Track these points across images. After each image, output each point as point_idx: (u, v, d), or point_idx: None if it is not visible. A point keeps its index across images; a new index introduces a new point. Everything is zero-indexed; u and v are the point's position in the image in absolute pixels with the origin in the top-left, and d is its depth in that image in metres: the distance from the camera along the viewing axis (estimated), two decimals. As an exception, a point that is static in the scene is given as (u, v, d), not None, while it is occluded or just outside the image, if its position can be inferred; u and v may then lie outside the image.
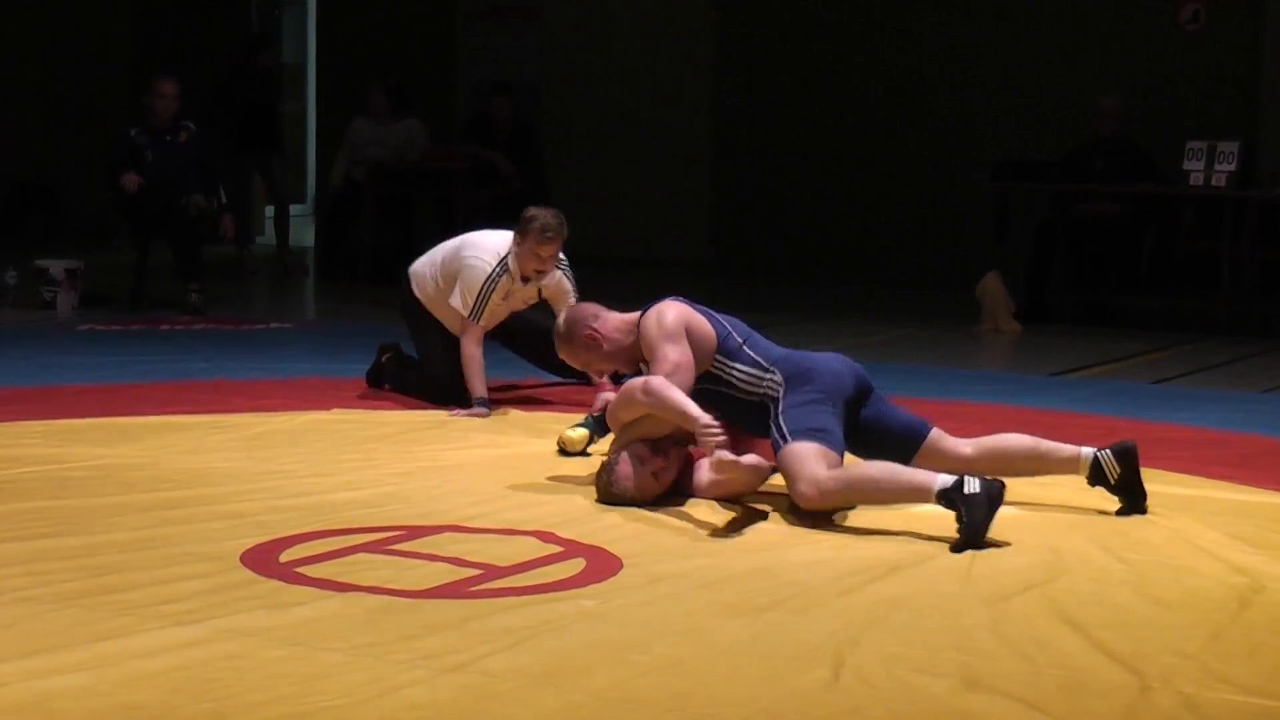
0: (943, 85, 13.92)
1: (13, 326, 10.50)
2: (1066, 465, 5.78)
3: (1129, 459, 5.70)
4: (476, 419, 7.39)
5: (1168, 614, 4.62)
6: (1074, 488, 5.90)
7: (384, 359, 8.04)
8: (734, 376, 5.88)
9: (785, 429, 5.64)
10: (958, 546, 5.19)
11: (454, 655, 4.08)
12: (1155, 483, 6.22)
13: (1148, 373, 9.64)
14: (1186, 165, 11.55)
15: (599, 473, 5.85)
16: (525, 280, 7.62)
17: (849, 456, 5.81)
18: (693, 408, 5.65)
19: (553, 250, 7.53)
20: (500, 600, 4.58)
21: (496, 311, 7.68)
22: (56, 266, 11.22)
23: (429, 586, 4.71)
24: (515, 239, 7.55)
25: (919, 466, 5.71)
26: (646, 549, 5.21)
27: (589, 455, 6.53)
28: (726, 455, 5.53)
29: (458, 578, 4.80)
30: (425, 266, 7.85)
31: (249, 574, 4.80)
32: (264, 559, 4.96)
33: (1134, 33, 13.30)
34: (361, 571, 4.86)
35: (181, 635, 4.19)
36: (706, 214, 14.99)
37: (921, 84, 14.00)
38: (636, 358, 6.03)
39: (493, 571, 4.87)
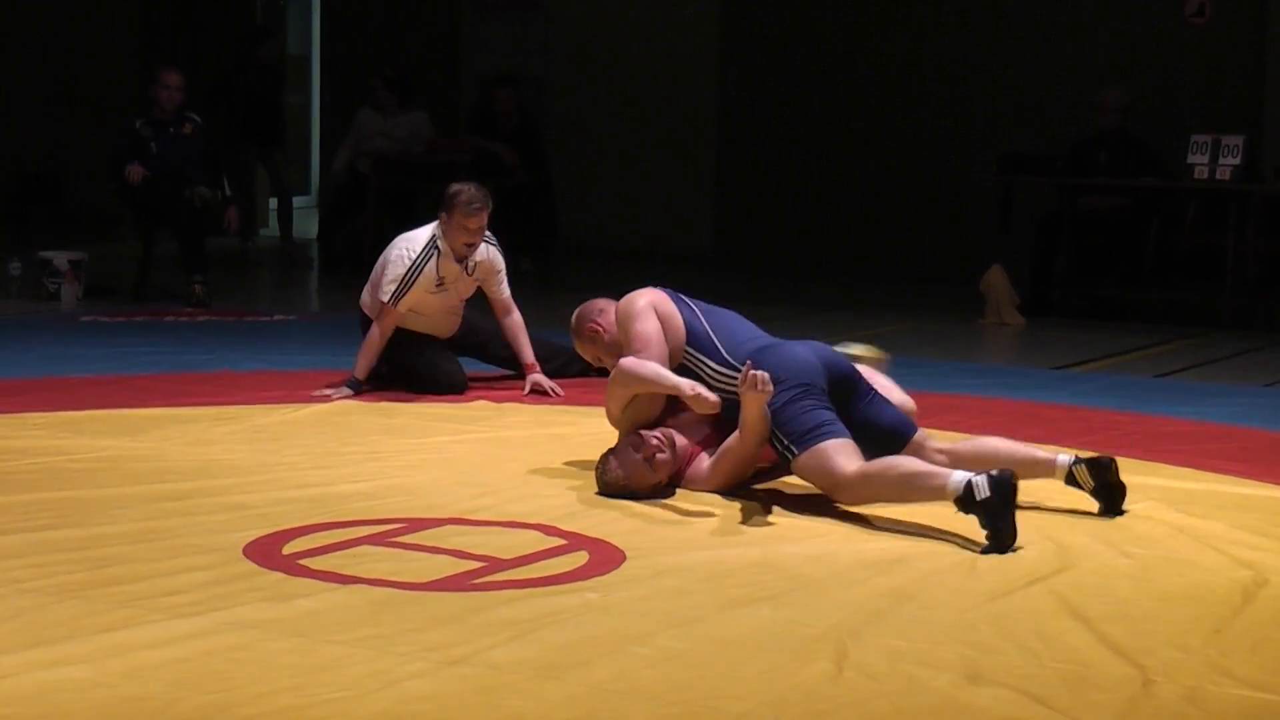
0: (947, 78, 13.91)
1: (16, 318, 10.50)
2: (1043, 470, 5.76)
3: (1103, 472, 5.66)
4: (343, 400, 7.50)
5: (1171, 608, 4.62)
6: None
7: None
8: (705, 372, 5.87)
9: (787, 441, 5.60)
10: (988, 550, 5.13)
11: (457, 648, 4.09)
12: (1159, 476, 6.24)
13: (1151, 367, 9.63)
14: (1191, 159, 11.53)
15: (597, 465, 5.86)
16: (460, 260, 7.65)
17: None
18: (669, 375, 5.74)
19: (480, 222, 7.61)
20: (503, 593, 4.58)
21: (429, 303, 7.71)
22: (60, 258, 11.22)
23: (432, 579, 4.71)
24: (441, 218, 7.64)
25: None
26: (649, 542, 5.21)
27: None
28: (709, 396, 5.61)
29: (461, 570, 4.80)
30: (366, 288, 7.92)
31: (252, 566, 4.80)
32: (267, 551, 4.96)
33: (1139, 26, 13.28)
34: (364, 564, 4.86)
35: (184, 627, 4.20)
36: (710, 206, 14.98)
37: (926, 77, 13.99)
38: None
39: (496, 564, 4.87)
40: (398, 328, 7.74)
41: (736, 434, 5.71)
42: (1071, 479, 5.69)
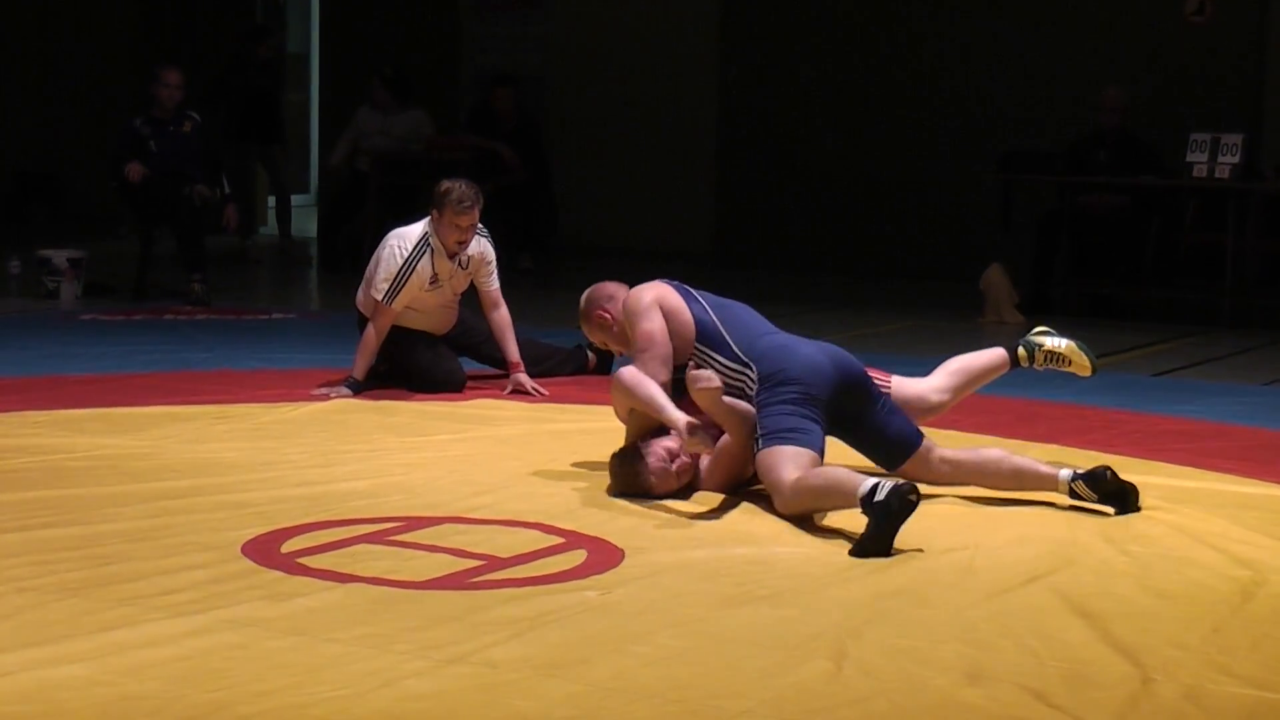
0: (947, 77, 13.91)
1: (16, 316, 10.50)
2: (1046, 484, 5.76)
3: (1100, 484, 5.64)
4: (342, 399, 7.49)
5: (1170, 606, 4.62)
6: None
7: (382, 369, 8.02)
8: (716, 367, 5.82)
9: (759, 433, 5.59)
10: (855, 551, 5.04)
11: (456, 646, 4.08)
12: (1158, 475, 6.24)
13: (1151, 365, 9.63)
14: (1190, 157, 11.53)
15: (618, 462, 5.81)
16: (452, 256, 7.65)
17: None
18: (667, 407, 5.65)
19: (471, 219, 7.61)
20: (502, 591, 4.58)
21: (424, 300, 7.72)
22: (60, 256, 11.22)
23: (431, 577, 4.71)
24: (432, 215, 7.64)
25: (905, 474, 5.69)
26: (648, 540, 5.21)
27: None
28: (704, 440, 5.54)
29: (460, 569, 4.80)
30: (361, 288, 7.92)
31: (251, 564, 4.80)
32: (266, 549, 4.96)
33: (1139, 25, 13.28)
34: (363, 562, 4.86)
35: (184, 625, 4.20)
36: (711, 205, 14.98)
37: (926, 75, 13.99)
38: None
39: (494, 562, 4.87)
40: (394, 325, 7.74)
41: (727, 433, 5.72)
42: (1075, 496, 5.69)
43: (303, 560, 4.85)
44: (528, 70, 15.41)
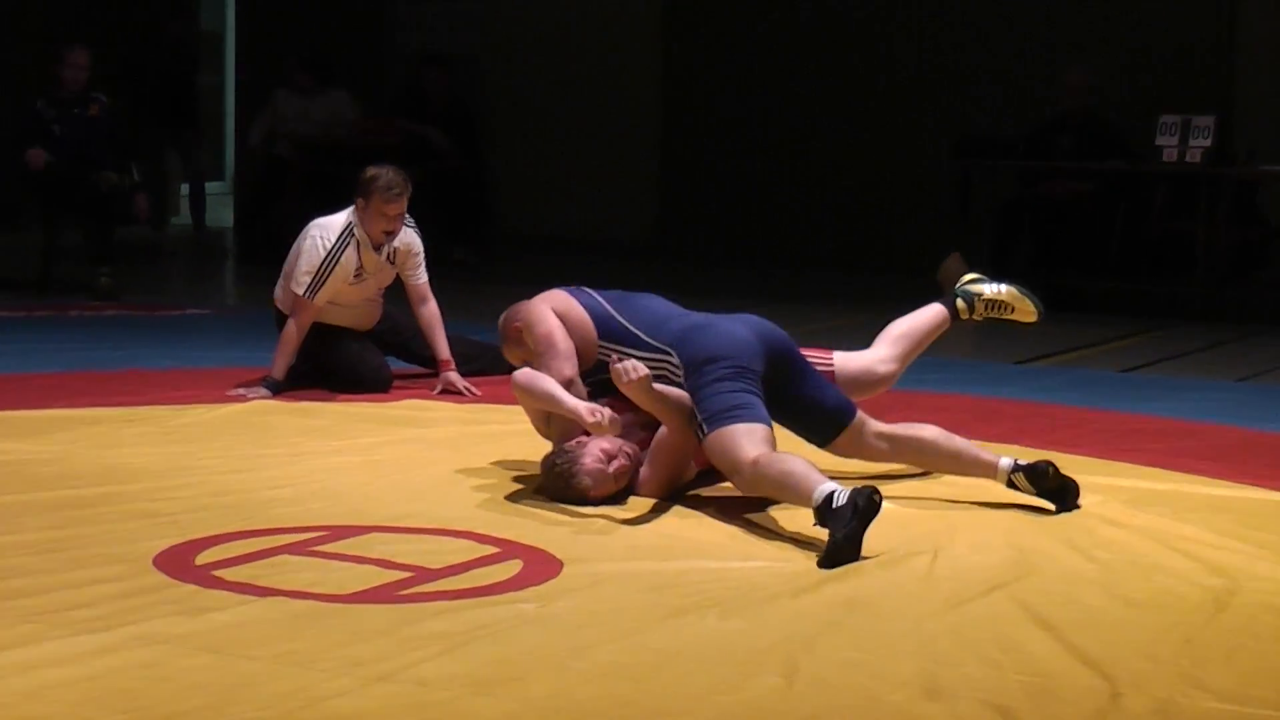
0: (902, 57, 13.95)
1: (-90, 313, 10.43)
2: (985, 471, 5.82)
3: (1040, 479, 5.69)
4: (260, 400, 7.48)
5: (1140, 615, 4.64)
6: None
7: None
8: (628, 357, 5.83)
9: (700, 419, 5.58)
10: (822, 562, 5.03)
11: (383, 663, 4.07)
12: (1126, 477, 6.27)
13: (1117, 360, 9.68)
14: (1159, 141, 11.59)
15: (549, 465, 5.80)
16: (378, 247, 7.63)
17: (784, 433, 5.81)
18: (564, 398, 5.71)
19: (399, 208, 7.59)
20: (432, 604, 4.57)
21: (348, 294, 7.70)
22: (-43, 249, 11.16)
23: (356, 590, 4.69)
24: (357, 204, 7.62)
25: (839, 451, 5.87)
26: (588, 549, 5.21)
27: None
28: (607, 420, 5.58)
29: (387, 580, 4.79)
30: (279, 282, 7.88)
31: (163, 578, 4.77)
32: (179, 561, 4.93)
33: (1104, 0, 13.34)
34: (284, 574, 4.84)
35: (91, 643, 4.17)
36: (653, 193, 14.99)
37: (880, 56, 14.02)
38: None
39: (424, 574, 4.86)
40: (316, 322, 7.71)
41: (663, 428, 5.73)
42: (1012, 486, 5.75)
43: (219, 573, 4.83)
44: (460, 49, 15.39)
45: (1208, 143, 11.43)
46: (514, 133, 15.32)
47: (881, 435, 5.90)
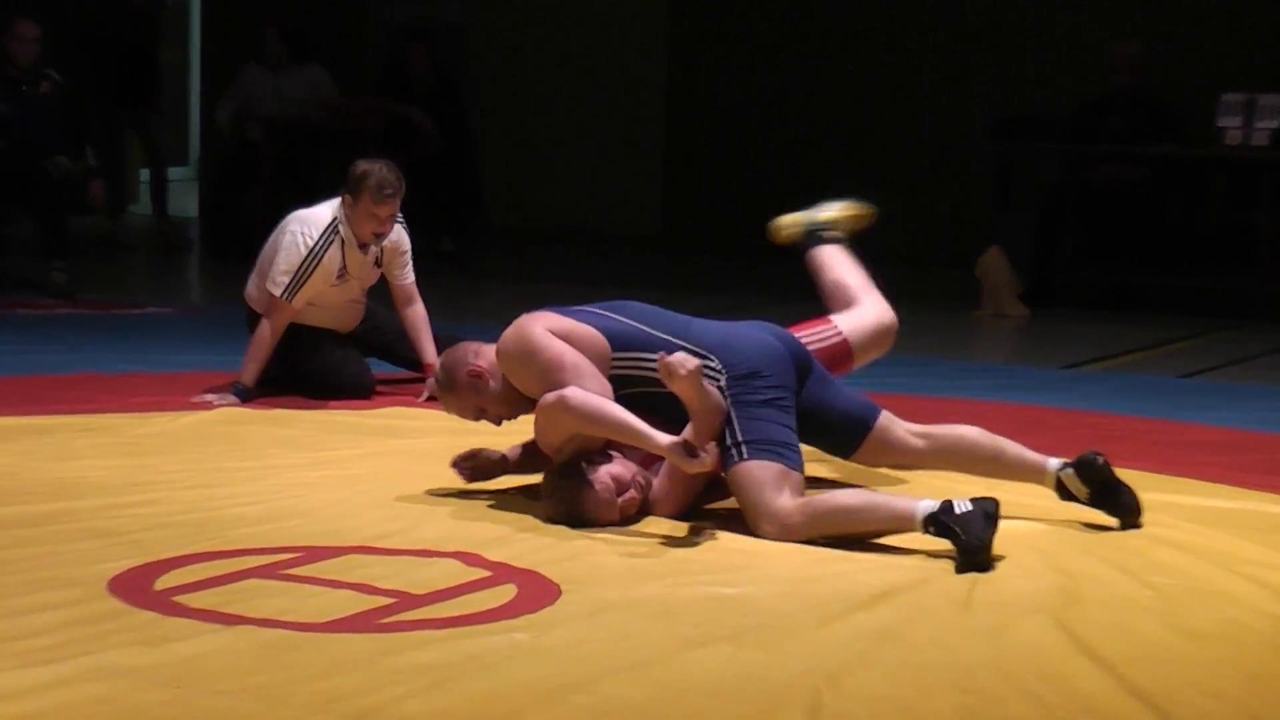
0: (933, 31, 13.95)
1: None
2: (1030, 475, 5.84)
3: (1093, 472, 5.71)
4: (228, 408, 7.48)
5: (1201, 648, 4.62)
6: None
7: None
8: (652, 369, 5.71)
9: (742, 438, 5.58)
10: (962, 568, 5.19)
11: (362, 698, 4.05)
12: (1185, 494, 6.25)
13: (1174, 365, 9.67)
14: (1220, 122, 11.60)
15: (551, 486, 5.77)
16: (363, 247, 7.62)
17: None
18: (646, 429, 5.56)
19: (391, 209, 7.59)
20: (417, 634, 4.56)
21: (329, 296, 7.69)
22: (-105, 241, 11.17)
23: (333, 618, 4.68)
24: (345, 201, 7.60)
25: (864, 459, 5.90)
26: (588, 572, 5.19)
27: None
28: (705, 454, 5.52)
29: (367, 607, 4.78)
30: (252, 278, 7.87)
31: (120, 604, 4.76)
32: (137, 586, 4.92)
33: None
34: (253, 600, 4.82)
35: (40, 676, 4.15)
36: (659, 179, 14.99)
37: (909, 30, 14.03)
38: (523, 395, 5.92)
39: (408, 600, 4.85)
40: (292, 322, 7.70)
41: (685, 434, 5.66)
42: (1063, 489, 5.76)
43: (181, 598, 4.82)
44: (446, 22, 15.40)
45: (1275, 124, 11.43)
46: (504, 113, 15.33)
47: (917, 433, 5.92)
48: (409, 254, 7.89)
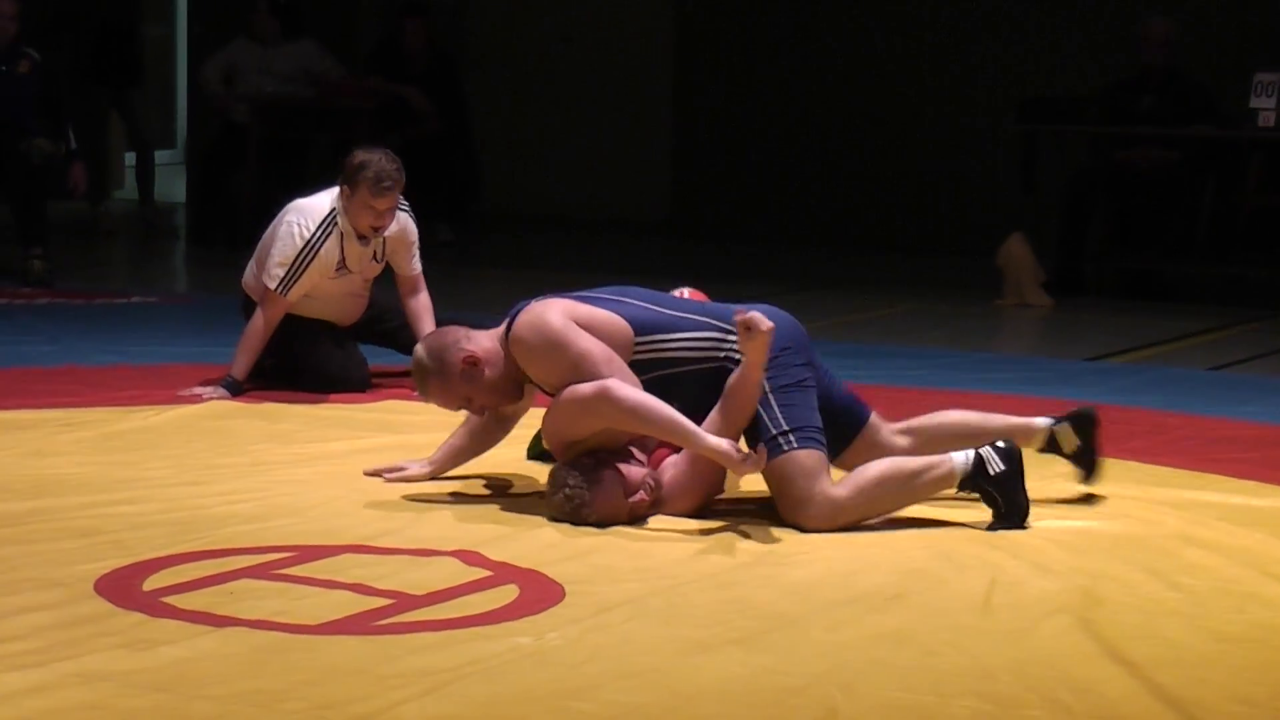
0: (951, 6, 13.93)
1: None
2: (1019, 435, 5.95)
3: (1088, 425, 6.00)
4: (217, 401, 7.49)
5: (1232, 652, 4.63)
6: (1109, 495, 6.04)
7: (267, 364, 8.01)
8: (679, 349, 5.79)
9: (787, 426, 5.63)
10: (995, 527, 5.59)
11: (358, 704, 4.07)
12: (1215, 491, 6.27)
13: (1205, 357, 9.67)
14: (1254, 103, 11.58)
15: (557, 484, 5.75)
16: (363, 239, 7.63)
17: None
18: (698, 431, 5.57)
19: (390, 202, 7.57)
20: (415, 636, 4.58)
21: (327, 289, 7.69)
22: None
23: (327, 620, 4.69)
24: (342, 192, 7.57)
25: (849, 461, 5.93)
26: (592, 572, 5.21)
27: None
28: (759, 467, 5.58)
29: (363, 609, 4.79)
30: (250, 266, 7.88)
31: (105, 605, 4.78)
32: (124, 587, 4.94)
33: (1189, -59, 13.35)
34: (244, 602, 4.84)
35: (23, 680, 4.17)
36: (667, 163, 14.98)
37: (923, 5, 14.00)
38: (519, 383, 5.93)
39: (405, 601, 4.87)
40: (287, 314, 7.70)
41: (713, 417, 5.66)
42: (1052, 442, 6.02)
43: (169, 600, 4.83)
44: (443, -3, 15.39)
45: (1311, 105, 11.43)
46: (504, 93, 15.32)
47: (901, 431, 6.06)
48: (416, 244, 7.85)
